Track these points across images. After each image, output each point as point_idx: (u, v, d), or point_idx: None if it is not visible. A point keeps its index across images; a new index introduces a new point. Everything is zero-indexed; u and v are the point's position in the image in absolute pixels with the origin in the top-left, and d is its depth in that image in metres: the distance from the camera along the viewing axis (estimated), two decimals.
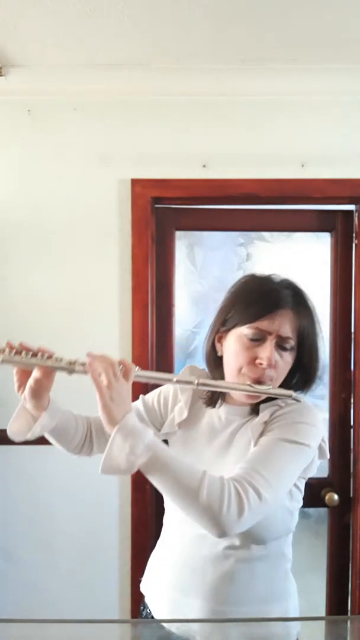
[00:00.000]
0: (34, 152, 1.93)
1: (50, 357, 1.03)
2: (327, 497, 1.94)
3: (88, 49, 1.77)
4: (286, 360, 1.10)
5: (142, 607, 1.25)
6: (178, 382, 1.07)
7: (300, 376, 1.16)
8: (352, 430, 1.97)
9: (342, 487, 1.99)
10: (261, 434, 1.07)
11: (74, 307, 1.94)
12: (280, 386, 1.12)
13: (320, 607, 2.03)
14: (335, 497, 1.94)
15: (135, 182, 1.91)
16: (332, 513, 2.00)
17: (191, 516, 0.96)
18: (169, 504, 1.19)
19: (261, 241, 2.08)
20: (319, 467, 2.03)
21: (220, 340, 1.16)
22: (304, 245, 2.08)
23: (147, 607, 1.22)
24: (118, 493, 1.94)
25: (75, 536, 1.95)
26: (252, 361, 1.08)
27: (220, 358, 1.16)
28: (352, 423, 1.98)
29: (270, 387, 1.08)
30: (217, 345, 1.17)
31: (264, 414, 1.10)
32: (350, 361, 2.00)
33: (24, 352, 1.03)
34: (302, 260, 2.08)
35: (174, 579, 1.15)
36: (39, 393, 1.06)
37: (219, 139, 1.92)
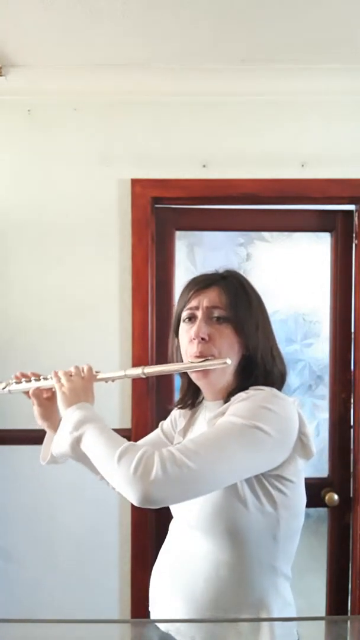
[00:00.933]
0: (34, 152, 1.93)
1: (38, 378, 1.23)
2: (327, 497, 1.94)
3: (88, 49, 1.77)
4: (224, 334, 1.10)
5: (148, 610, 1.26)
6: (127, 376, 1.16)
7: (252, 357, 1.11)
8: (352, 430, 1.97)
9: (342, 487, 1.99)
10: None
11: (74, 307, 1.94)
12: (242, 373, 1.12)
13: (320, 607, 2.03)
14: (335, 497, 1.95)
15: (135, 182, 1.91)
16: (332, 513, 2.00)
17: (111, 482, 0.99)
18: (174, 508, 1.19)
19: (261, 241, 2.08)
20: (319, 468, 2.05)
21: (177, 335, 1.20)
22: (304, 245, 2.08)
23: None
24: (118, 493, 1.93)
25: (75, 536, 1.95)
26: (190, 340, 1.12)
27: None
28: (352, 423, 1.98)
29: (208, 359, 1.09)
30: (176, 340, 1.20)
31: (226, 405, 1.08)
32: (350, 361, 2.00)
33: (23, 379, 1.24)
34: (302, 260, 2.07)
35: (163, 580, 1.16)
36: (46, 415, 1.24)
37: (219, 139, 1.92)
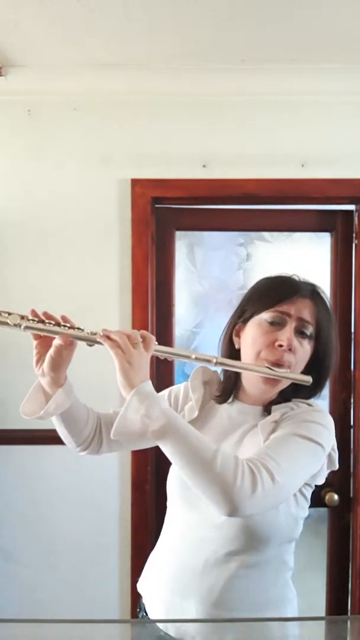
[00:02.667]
0: (34, 152, 1.93)
1: (72, 327, 1.04)
2: (327, 497, 1.94)
3: (88, 49, 1.77)
4: (305, 349, 1.09)
5: (138, 609, 1.24)
6: (197, 359, 1.06)
7: (315, 373, 1.12)
8: (352, 430, 1.97)
9: (342, 487, 1.99)
10: (272, 432, 1.06)
11: (74, 307, 1.92)
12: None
13: (320, 607, 2.03)
14: (335, 497, 1.95)
15: (135, 182, 1.91)
16: (332, 513, 2.00)
17: (201, 487, 0.92)
18: (172, 503, 1.19)
19: (261, 241, 2.08)
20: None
21: (237, 333, 1.16)
22: (304, 245, 2.08)
23: (143, 609, 1.21)
24: (118, 493, 1.94)
25: (75, 536, 1.95)
26: (272, 344, 1.07)
27: (238, 351, 1.15)
28: (352, 423, 1.98)
29: (288, 371, 1.06)
30: (235, 339, 1.16)
31: (275, 414, 1.09)
32: (350, 361, 2.00)
33: (47, 321, 1.04)
34: (302, 260, 2.07)
35: (172, 581, 1.13)
36: (58, 365, 1.06)
37: (219, 139, 1.92)
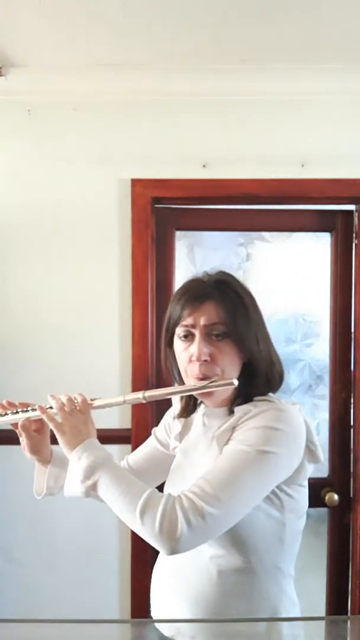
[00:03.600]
0: (34, 152, 1.93)
1: (14, 412, 1.14)
2: (327, 497, 1.94)
3: (88, 49, 1.77)
4: (225, 351, 1.06)
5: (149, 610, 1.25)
6: (126, 402, 1.09)
7: (251, 364, 1.09)
8: (352, 430, 1.97)
9: (342, 487, 1.99)
10: (227, 441, 1.05)
11: (74, 307, 1.94)
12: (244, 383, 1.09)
13: (320, 607, 2.03)
14: (335, 497, 1.95)
15: (135, 182, 1.91)
16: (332, 513, 2.00)
17: (140, 536, 0.97)
18: None
19: (261, 241, 2.08)
20: (319, 468, 2.04)
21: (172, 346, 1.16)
22: (304, 245, 2.08)
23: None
24: None
25: (75, 536, 1.95)
26: (189, 359, 1.07)
27: None
28: (352, 423, 1.98)
29: (212, 380, 1.04)
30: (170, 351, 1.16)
31: (234, 419, 1.06)
32: (350, 361, 2.00)
33: (8, 412, 1.15)
34: (302, 260, 2.07)
35: (169, 583, 1.14)
36: (36, 447, 1.17)
37: (219, 139, 1.92)
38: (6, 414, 1.14)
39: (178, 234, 2.02)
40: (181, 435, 1.21)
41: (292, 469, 1.04)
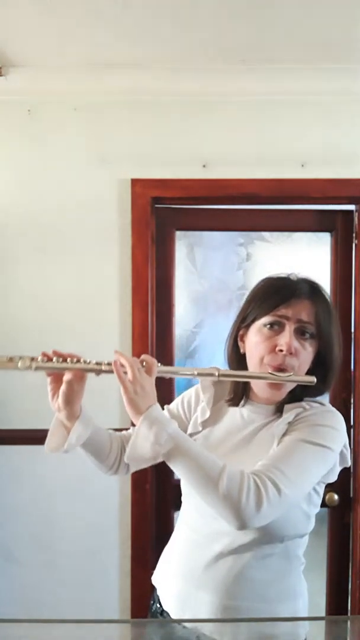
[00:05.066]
0: (34, 152, 1.93)
1: (78, 360, 1.08)
2: (327, 497, 1.94)
3: (88, 49, 1.77)
4: (307, 350, 1.10)
5: (152, 602, 1.26)
6: (200, 374, 1.08)
7: (320, 370, 1.13)
8: (352, 430, 1.97)
9: (342, 487, 1.99)
10: (284, 434, 1.08)
11: (74, 307, 1.94)
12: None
13: (320, 607, 2.03)
14: (335, 497, 1.95)
15: (135, 182, 1.91)
16: (332, 513, 2.00)
17: (211, 505, 0.99)
18: (187, 497, 1.20)
19: (261, 241, 2.08)
20: None
21: (242, 338, 1.18)
22: (304, 245, 2.08)
23: (157, 602, 1.23)
24: (118, 493, 1.94)
25: (75, 536, 1.95)
26: (273, 349, 1.09)
27: (244, 356, 1.17)
28: (352, 423, 1.98)
29: (290, 374, 1.08)
30: (240, 343, 1.18)
31: (288, 415, 1.10)
32: (350, 361, 2.00)
33: (55, 358, 1.07)
34: (302, 260, 2.08)
35: (187, 573, 1.16)
36: (71, 399, 1.10)
37: (219, 139, 1.92)
38: (65, 360, 1.06)
39: (178, 234, 2.02)
40: (205, 424, 1.21)
41: (332, 466, 1.10)
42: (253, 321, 1.13)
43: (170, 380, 1.95)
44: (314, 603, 2.01)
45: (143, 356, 1.05)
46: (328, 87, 1.90)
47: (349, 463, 1.14)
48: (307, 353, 1.10)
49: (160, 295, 1.99)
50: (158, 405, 1.02)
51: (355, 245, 1.99)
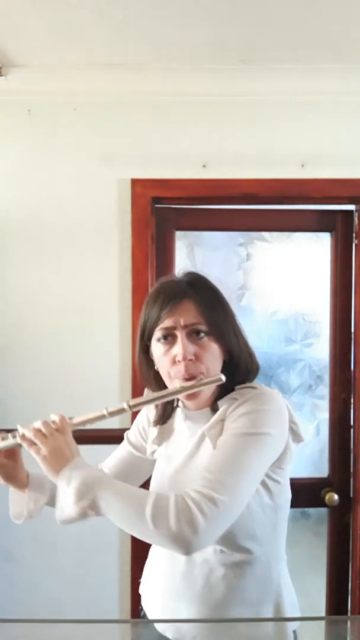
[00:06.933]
0: (34, 152, 1.93)
1: None
2: (327, 497, 1.94)
3: (88, 49, 1.77)
4: (209, 348, 1.06)
5: (140, 608, 1.25)
6: (111, 414, 1.04)
7: (232, 357, 1.10)
8: (352, 430, 1.97)
9: (342, 487, 1.98)
10: (219, 435, 1.04)
11: (74, 307, 1.94)
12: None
13: (320, 607, 2.03)
14: (335, 497, 1.94)
15: (135, 182, 1.91)
16: (332, 513, 2.00)
17: (150, 541, 0.95)
18: None
19: (261, 241, 2.08)
20: (319, 468, 2.04)
21: (151, 354, 1.14)
22: (304, 245, 2.08)
23: (144, 610, 1.22)
24: None
25: (75, 536, 1.94)
26: (173, 361, 1.06)
27: (158, 371, 1.13)
28: (352, 423, 1.98)
29: (199, 379, 1.04)
30: (151, 360, 1.14)
31: (220, 412, 1.07)
32: (350, 361, 2.00)
33: None
34: (302, 260, 2.07)
35: (164, 584, 1.14)
36: (9, 474, 1.11)
37: (219, 139, 1.92)
38: None
39: (178, 234, 2.02)
40: (159, 439, 1.19)
41: (282, 448, 1.05)
42: (150, 337, 1.10)
43: None
44: (314, 603, 2.02)
45: (52, 415, 1.04)
46: (328, 87, 1.90)
47: (303, 438, 1.09)
48: (211, 351, 1.06)
49: None
50: (76, 460, 0.99)
51: (355, 245, 1.99)
